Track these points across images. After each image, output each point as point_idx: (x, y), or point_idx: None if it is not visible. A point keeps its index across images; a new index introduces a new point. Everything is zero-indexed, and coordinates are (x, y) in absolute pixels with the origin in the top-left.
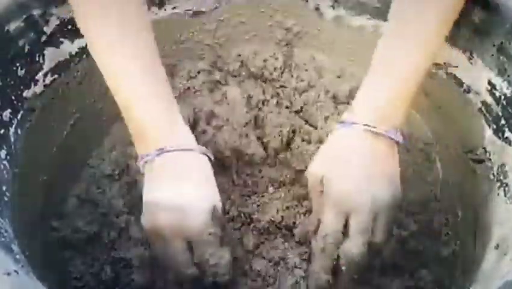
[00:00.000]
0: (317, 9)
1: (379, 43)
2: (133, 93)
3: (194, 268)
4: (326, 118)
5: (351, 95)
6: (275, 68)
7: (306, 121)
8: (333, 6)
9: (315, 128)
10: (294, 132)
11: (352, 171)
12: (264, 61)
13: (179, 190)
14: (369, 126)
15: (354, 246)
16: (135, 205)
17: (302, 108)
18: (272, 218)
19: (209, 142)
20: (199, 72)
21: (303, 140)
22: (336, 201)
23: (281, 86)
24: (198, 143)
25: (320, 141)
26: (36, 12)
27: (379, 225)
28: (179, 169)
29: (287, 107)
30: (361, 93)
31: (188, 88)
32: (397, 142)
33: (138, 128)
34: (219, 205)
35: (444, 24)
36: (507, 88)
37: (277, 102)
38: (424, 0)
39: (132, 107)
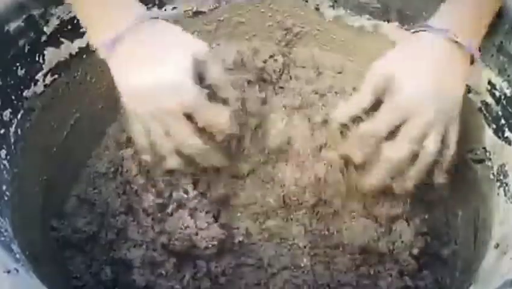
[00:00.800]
0: (317, 9)
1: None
2: None
3: (198, 136)
4: (327, 117)
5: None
6: (275, 69)
7: (309, 120)
8: (333, 6)
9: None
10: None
11: (426, 79)
12: (264, 62)
13: (160, 69)
14: (454, 35)
15: (398, 149)
16: (132, 204)
17: (301, 106)
18: None
19: None
20: None
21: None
22: (400, 103)
23: (280, 87)
24: None
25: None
26: (36, 12)
27: (436, 136)
28: (149, 47)
29: (285, 106)
30: (447, 4)
31: None
32: (472, 56)
33: (91, 13)
34: (199, 50)
35: None
36: (507, 88)
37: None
38: None
39: None
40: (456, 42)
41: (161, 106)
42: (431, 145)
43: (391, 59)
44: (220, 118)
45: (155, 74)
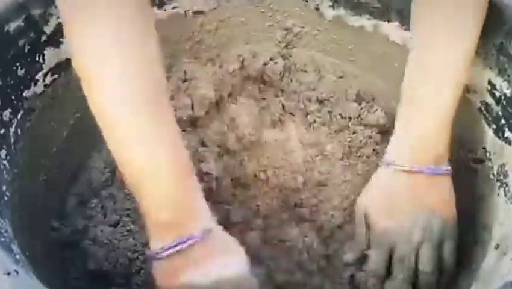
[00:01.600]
0: (317, 9)
1: (407, 74)
2: (146, 165)
3: None
4: (329, 117)
5: (356, 98)
6: (275, 69)
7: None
8: (333, 6)
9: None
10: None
11: (392, 208)
12: (264, 64)
13: (227, 271)
14: (402, 166)
15: (397, 284)
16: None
17: (302, 109)
18: None
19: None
20: None
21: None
22: (378, 237)
23: (281, 90)
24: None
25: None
26: (36, 12)
27: (426, 254)
28: (217, 251)
29: (284, 106)
30: (396, 132)
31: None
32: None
33: (153, 212)
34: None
35: (471, 50)
36: (507, 88)
37: (277, 101)
38: (450, 30)
39: (144, 184)
40: (409, 171)
41: None
42: (426, 265)
43: (365, 197)
44: None
45: (218, 273)
